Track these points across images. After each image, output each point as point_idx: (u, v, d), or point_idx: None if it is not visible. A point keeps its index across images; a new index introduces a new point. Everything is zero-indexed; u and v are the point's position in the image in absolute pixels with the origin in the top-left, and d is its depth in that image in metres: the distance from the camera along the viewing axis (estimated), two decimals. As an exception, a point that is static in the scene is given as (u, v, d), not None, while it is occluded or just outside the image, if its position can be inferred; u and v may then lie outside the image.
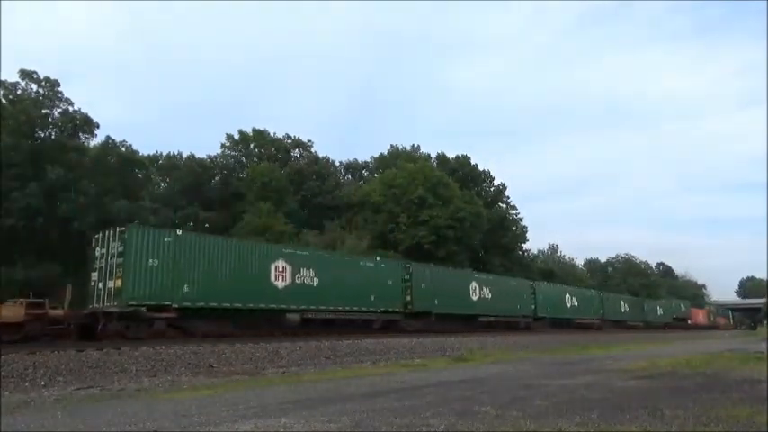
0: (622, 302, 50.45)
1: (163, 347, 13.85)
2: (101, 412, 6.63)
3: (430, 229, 43.17)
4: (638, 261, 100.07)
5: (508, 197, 61.74)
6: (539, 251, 77.56)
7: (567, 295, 40.39)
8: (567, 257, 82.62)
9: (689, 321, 67.25)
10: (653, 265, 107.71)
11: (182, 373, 11.98)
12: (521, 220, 61.69)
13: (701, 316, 74.11)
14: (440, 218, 43.32)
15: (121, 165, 37.16)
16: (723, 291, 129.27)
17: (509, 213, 60.66)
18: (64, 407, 7.19)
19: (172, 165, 52.48)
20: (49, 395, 8.65)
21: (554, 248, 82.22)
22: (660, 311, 58.94)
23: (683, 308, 68.52)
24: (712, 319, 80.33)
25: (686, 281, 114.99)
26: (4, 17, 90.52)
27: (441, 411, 6.05)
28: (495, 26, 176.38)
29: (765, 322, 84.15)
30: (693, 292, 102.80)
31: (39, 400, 8.03)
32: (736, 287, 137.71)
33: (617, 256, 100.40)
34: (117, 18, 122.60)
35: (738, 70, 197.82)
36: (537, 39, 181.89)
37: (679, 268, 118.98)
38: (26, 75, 33.97)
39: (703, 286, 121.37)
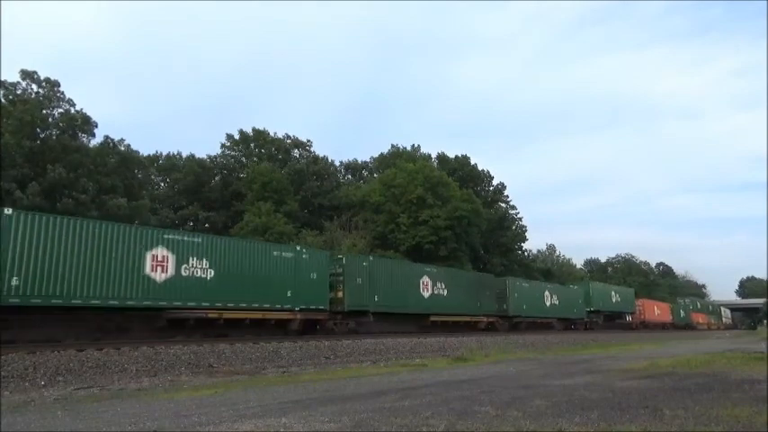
0: (426, 279, 25.37)
1: (163, 347, 13.86)
2: (101, 412, 6.63)
3: (430, 229, 43.19)
4: (638, 261, 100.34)
5: (507, 196, 61.92)
6: (538, 251, 77.76)
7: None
8: (565, 257, 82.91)
9: (628, 319, 47.95)
10: (653, 265, 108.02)
11: (182, 373, 11.98)
12: (520, 219, 61.89)
13: (656, 312, 53.68)
14: (439, 218, 43.34)
15: (120, 164, 37.19)
16: (723, 291, 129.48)
17: (508, 213, 60.78)
18: (64, 407, 7.19)
19: (172, 165, 52.54)
20: (49, 395, 8.65)
21: (552, 248, 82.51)
22: (554, 301, 35.79)
23: (615, 298, 45.24)
24: (682, 316, 61.69)
25: (686, 281, 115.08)
26: (4, 17, 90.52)
27: (440, 411, 6.05)
28: (496, 27, 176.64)
29: (765, 322, 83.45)
30: (693, 292, 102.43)
31: (39, 400, 8.03)
32: (736, 287, 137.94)
33: (617, 256, 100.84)
34: (117, 18, 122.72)
35: (738, 70, 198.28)
36: (537, 39, 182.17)
37: (679, 268, 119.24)
38: (26, 75, 34.01)
39: (703, 286, 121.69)
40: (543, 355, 17.56)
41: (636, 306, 49.52)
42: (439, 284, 25.88)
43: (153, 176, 50.08)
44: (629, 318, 48.25)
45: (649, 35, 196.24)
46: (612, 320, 45.90)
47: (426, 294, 25.13)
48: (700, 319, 69.64)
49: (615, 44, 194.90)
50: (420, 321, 25.24)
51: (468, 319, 28.04)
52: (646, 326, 49.91)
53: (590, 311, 40.69)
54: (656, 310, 54.31)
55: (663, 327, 54.32)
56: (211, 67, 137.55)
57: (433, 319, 25.36)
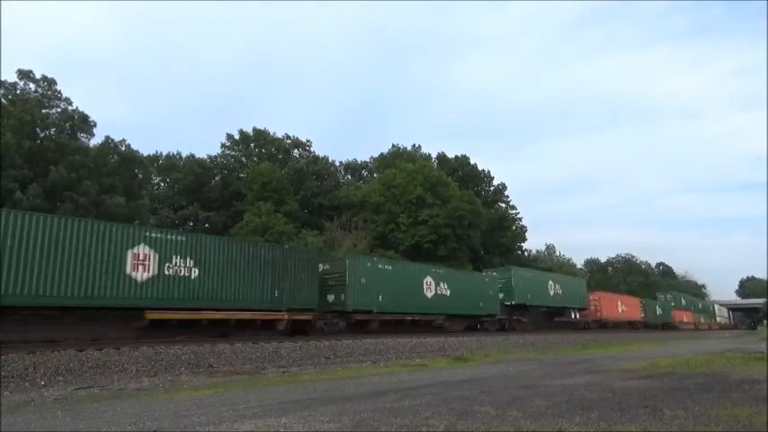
0: (142, 251, 15.81)
1: (162, 347, 13.85)
2: (101, 412, 6.63)
3: (429, 229, 43.24)
4: (638, 261, 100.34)
5: (508, 197, 61.99)
6: (536, 251, 77.86)
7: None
8: (564, 257, 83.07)
9: (574, 316, 37.72)
10: (653, 265, 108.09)
11: (182, 373, 11.98)
12: (520, 219, 61.96)
13: (619, 308, 44.54)
14: (439, 217, 43.39)
15: (121, 164, 37.20)
16: (723, 291, 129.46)
17: (508, 213, 60.84)
18: (64, 407, 7.19)
19: (172, 165, 52.55)
20: (49, 395, 8.65)
21: (551, 249, 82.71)
22: (442, 291, 25.90)
23: (554, 289, 35.54)
24: (659, 313, 53.06)
25: (686, 281, 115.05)
26: (4, 17, 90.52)
27: (440, 411, 6.05)
28: (496, 27, 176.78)
29: (765, 322, 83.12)
30: (693, 292, 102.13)
31: (39, 400, 8.03)
32: (736, 287, 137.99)
33: (617, 256, 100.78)
34: (117, 18, 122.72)
35: (738, 70, 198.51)
36: (537, 39, 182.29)
37: (679, 268, 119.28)
38: (24, 74, 34.01)
39: (703, 286, 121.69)
40: (543, 355, 17.56)
41: (590, 300, 40.65)
42: (177, 261, 16.24)
43: (153, 176, 50.04)
44: (575, 315, 37.97)
45: (649, 35, 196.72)
46: (552, 318, 36.38)
47: (141, 276, 15.37)
48: (684, 317, 60.72)
49: (615, 44, 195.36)
50: (128, 320, 15.49)
51: (247, 315, 17.99)
52: (603, 325, 40.99)
53: (511, 306, 31.05)
54: (620, 306, 45.07)
55: (632, 326, 46.07)
56: (211, 67, 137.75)
57: (153, 316, 15.52)
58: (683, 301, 65.09)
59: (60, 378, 10.56)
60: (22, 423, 6.00)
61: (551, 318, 36.31)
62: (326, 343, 17.39)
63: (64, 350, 12.25)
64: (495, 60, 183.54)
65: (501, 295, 30.42)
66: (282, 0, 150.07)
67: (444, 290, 26.17)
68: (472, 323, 28.98)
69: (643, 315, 49.24)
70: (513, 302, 31.12)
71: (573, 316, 37.76)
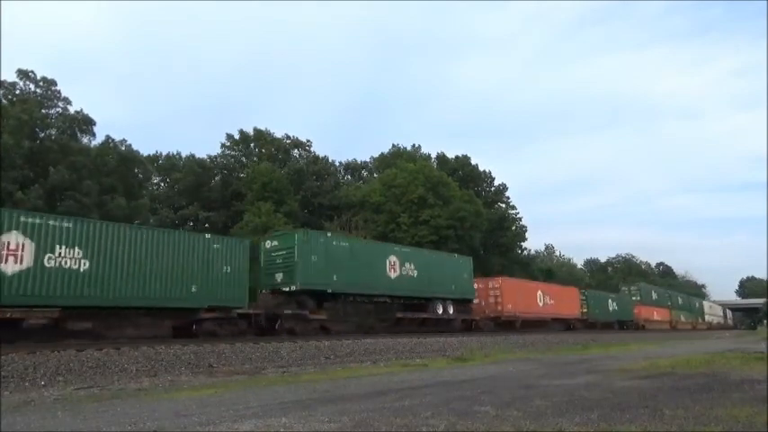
0: None
1: (163, 347, 13.84)
2: (101, 412, 6.63)
3: (430, 229, 43.27)
4: (638, 261, 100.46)
5: (508, 198, 61.98)
6: (535, 252, 77.98)
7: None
8: (564, 257, 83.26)
9: (444, 312, 25.06)
10: (653, 265, 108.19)
11: (182, 373, 11.97)
12: (520, 219, 61.94)
13: (541, 301, 32.48)
14: (440, 217, 43.42)
15: (120, 164, 37.19)
16: (723, 291, 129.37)
17: (508, 213, 60.83)
18: (64, 407, 7.19)
19: (172, 165, 52.55)
20: (49, 395, 8.64)
21: (551, 249, 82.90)
22: (60, 258, 13.30)
23: (398, 270, 22.75)
24: (613, 310, 42.00)
25: (686, 281, 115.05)
26: (4, 17, 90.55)
27: (441, 411, 6.04)
28: (496, 27, 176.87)
29: (765, 322, 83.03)
30: (694, 292, 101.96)
31: (39, 400, 8.02)
32: (736, 287, 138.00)
33: (617, 256, 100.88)
34: (117, 18, 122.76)
35: (738, 70, 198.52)
36: (537, 39, 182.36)
37: (679, 268, 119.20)
38: (23, 74, 34.00)
39: (703, 286, 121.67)
40: (543, 355, 17.56)
41: (487, 289, 29.35)
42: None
43: (153, 176, 50.02)
44: (444, 309, 25.35)
45: (649, 35, 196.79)
46: (418, 312, 24.33)
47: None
48: (654, 314, 49.89)
49: (615, 44, 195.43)
50: None
51: None
52: (508, 324, 29.61)
53: (291, 293, 19.33)
54: (542, 299, 32.54)
55: (567, 326, 35.57)
56: (211, 67, 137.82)
57: None
58: (653, 294, 54.00)
59: (60, 378, 10.55)
60: (22, 423, 6.00)
61: (414, 311, 24.31)
62: (326, 343, 17.40)
63: (64, 350, 12.24)
64: (495, 60, 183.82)
65: (280, 276, 19.66)
66: (282, 0, 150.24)
67: (73, 260, 13.86)
68: (178, 322, 16.61)
69: (585, 311, 38.07)
70: (295, 288, 19.19)
71: (441, 311, 25.26)
